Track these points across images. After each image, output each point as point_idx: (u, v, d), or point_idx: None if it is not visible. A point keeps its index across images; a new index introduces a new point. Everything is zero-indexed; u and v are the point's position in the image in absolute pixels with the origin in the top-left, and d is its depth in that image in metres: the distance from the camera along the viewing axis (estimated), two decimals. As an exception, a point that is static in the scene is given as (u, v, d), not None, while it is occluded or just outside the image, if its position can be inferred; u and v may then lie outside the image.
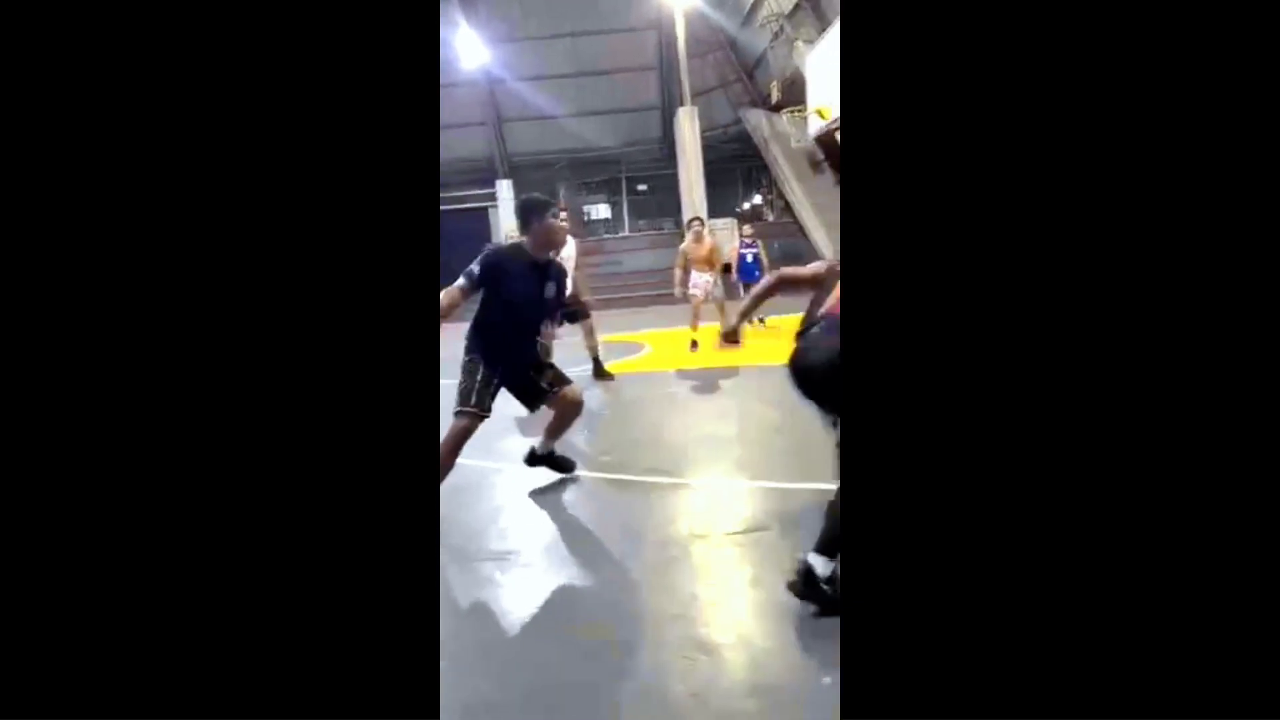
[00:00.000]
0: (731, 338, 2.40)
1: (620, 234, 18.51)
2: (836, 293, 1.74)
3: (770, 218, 17.55)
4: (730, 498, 2.50)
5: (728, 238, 10.94)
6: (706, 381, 4.82)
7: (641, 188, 19.24)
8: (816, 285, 1.90)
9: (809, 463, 2.78)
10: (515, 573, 1.96)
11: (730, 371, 5.05)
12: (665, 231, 17.75)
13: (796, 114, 12.08)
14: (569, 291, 4.83)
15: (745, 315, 2.30)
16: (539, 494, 2.62)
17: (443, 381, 1.39)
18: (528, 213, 2.47)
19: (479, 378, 2.39)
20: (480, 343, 2.44)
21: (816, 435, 3.15)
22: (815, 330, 1.76)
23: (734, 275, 7.77)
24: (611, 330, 5.77)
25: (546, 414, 2.69)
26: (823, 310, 1.79)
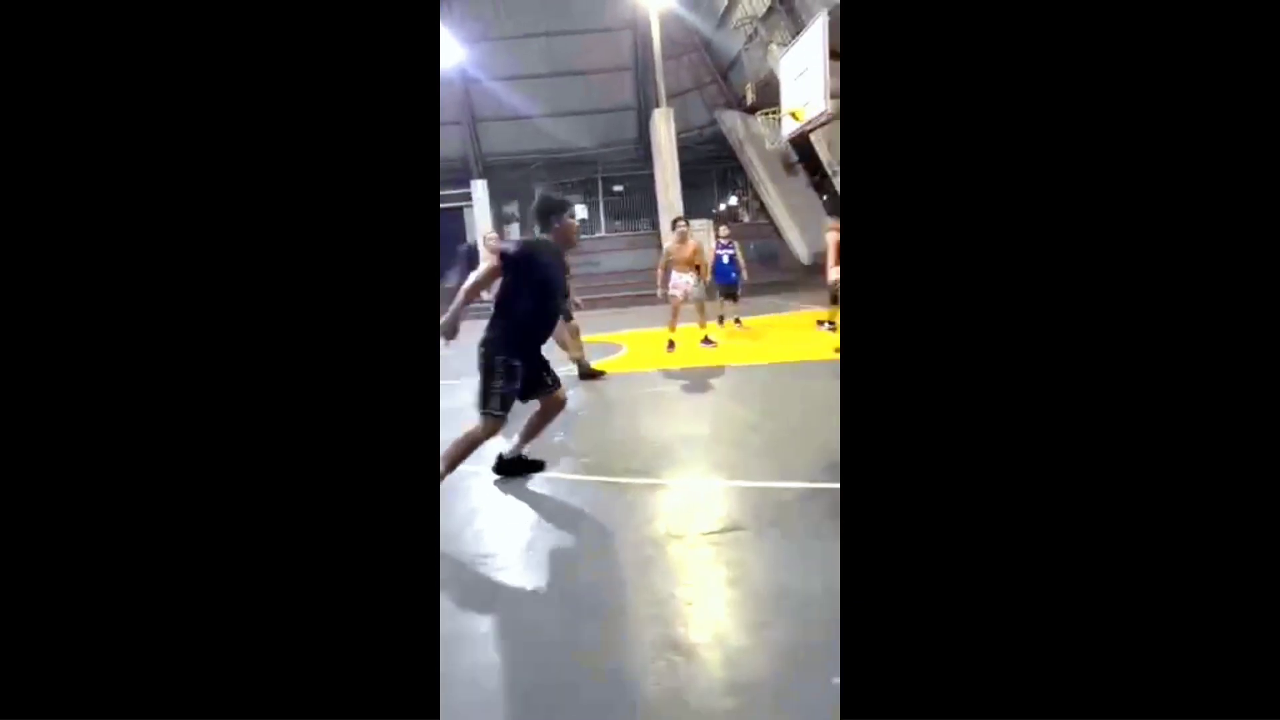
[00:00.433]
0: None
1: (597, 234, 18.45)
2: None
3: (746, 219, 17.67)
4: (707, 497, 2.52)
5: (705, 239, 11.00)
6: (683, 382, 4.84)
7: (618, 188, 19.21)
8: None
9: (784, 462, 2.81)
10: (492, 575, 1.95)
11: (707, 372, 5.08)
12: (642, 232, 17.77)
13: (771, 116, 12.18)
14: None
15: None
16: (515, 496, 2.61)
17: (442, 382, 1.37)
18: (549, 212, 2.56)
19: (502, 378, 2.42)
20: (508, 331, 2.46)
21: (791, 434, 3.19)
22: None
23: (708, 276, 7.81)
24: (589, 331, 5.77)
25: (525, 412, 2.68)
26: None
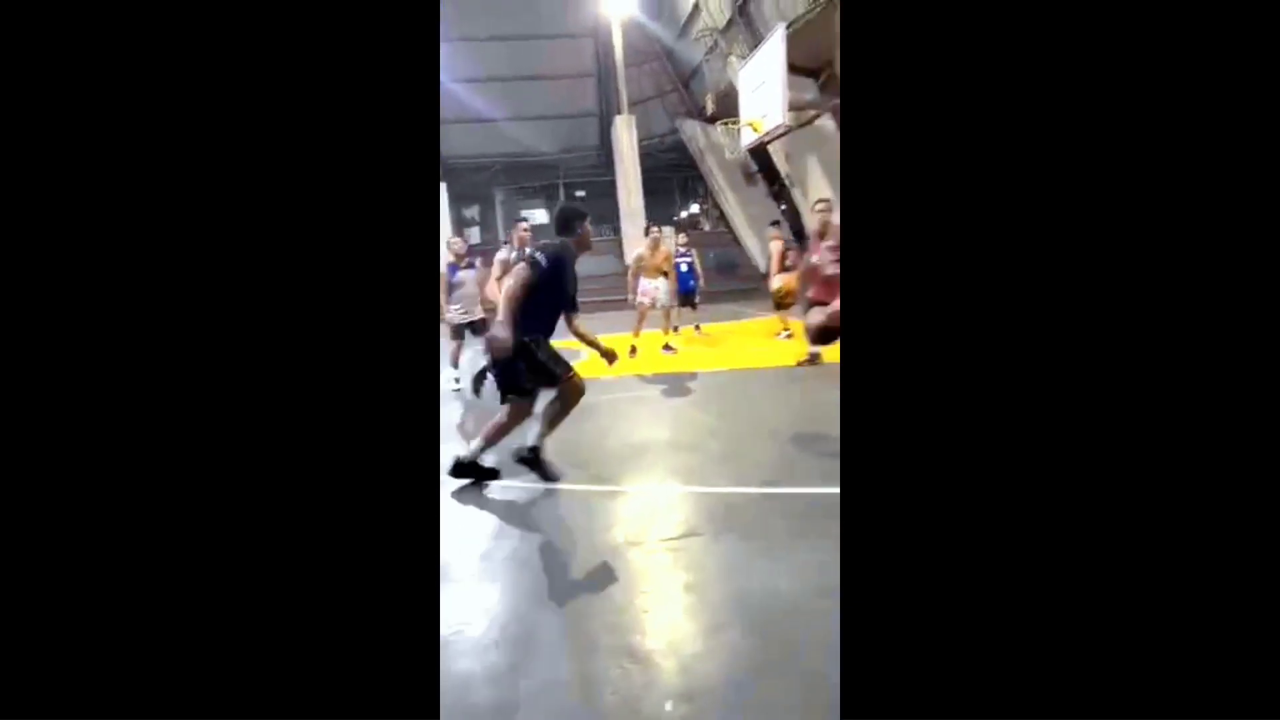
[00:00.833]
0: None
1: (558, 239, 18.39)
2: None
3: (707, 227, 17.88)
4: (665, 503, 2.53)
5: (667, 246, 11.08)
6: (643, 388, 4.85)
7: (580, 194, 19.19)
8: None
9: (741, 467, 2.85)
10: (446, 586, 1.91)
11: (667, 378, 5.10)
12: (604, 238, 17.74)
13: (730, 126, 12.37)
14: None
15: None
16: (473, 505, 2.57)
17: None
18: (571, 219, 2.84)
19: (529, 361, 2.62)
20: (526, 330, 2.62)
21: (748, 440, 3.23)
22: None
23: (674, 284, 7.88)
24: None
25: (488, 417, 2.65)
26: None
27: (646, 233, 6.79)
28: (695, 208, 19.22)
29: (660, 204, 17.45)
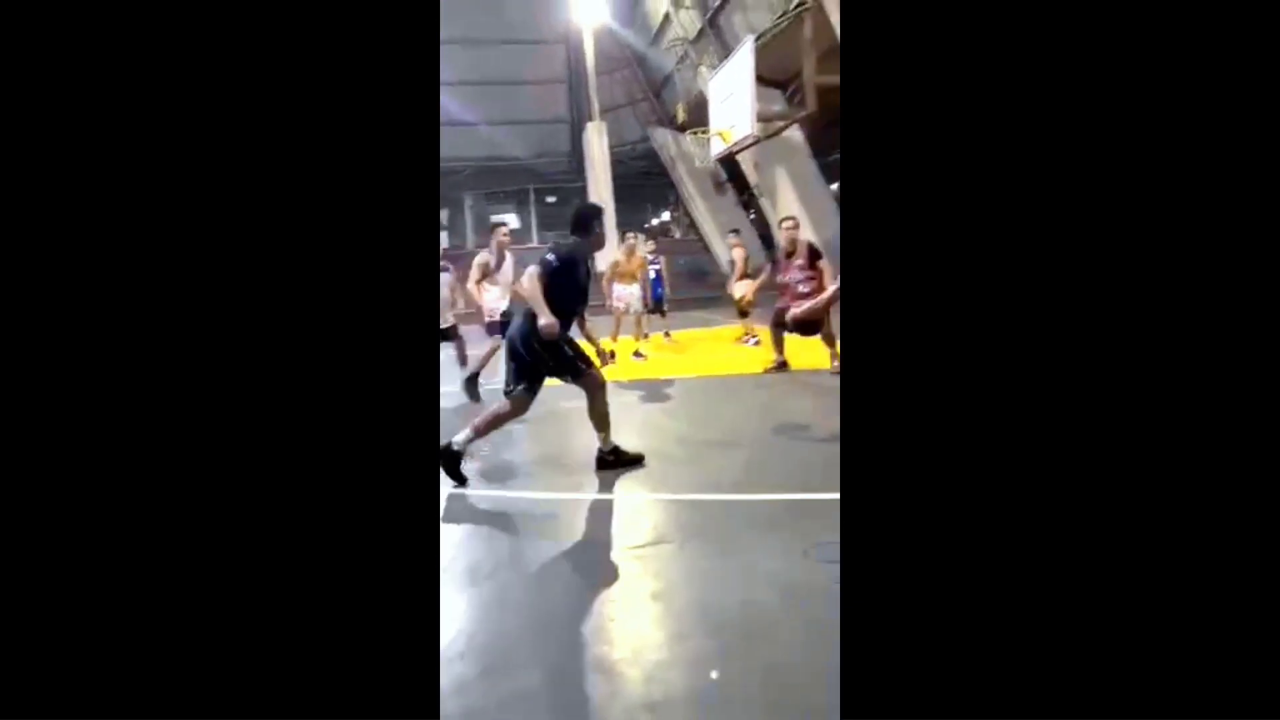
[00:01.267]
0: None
1: (528, 244, 18.30)
2: None
3: (677, 234, 18.00)
4: (633, 511, 2.54)
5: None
6: (613, 394, 4.83)
7: (551, 199, 19.14)
8: None
9: (709, 474, 2.87)
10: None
11: (636, 384, 5.12)
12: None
13: (700, 135, 12.51)
14: (506, 306, 4.76)
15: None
16: (441, 514, 2.54)
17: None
18: (591, 219, 2.92)
19: (556, 354, 2.78)
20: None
21: (715, 446, 3.27)
22: None
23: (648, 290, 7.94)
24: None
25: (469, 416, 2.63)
26: None
27: (622, 239, 6.83)
28: (666, 215, 19.34)
29: (631, 211, 17.51)
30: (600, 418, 2.93)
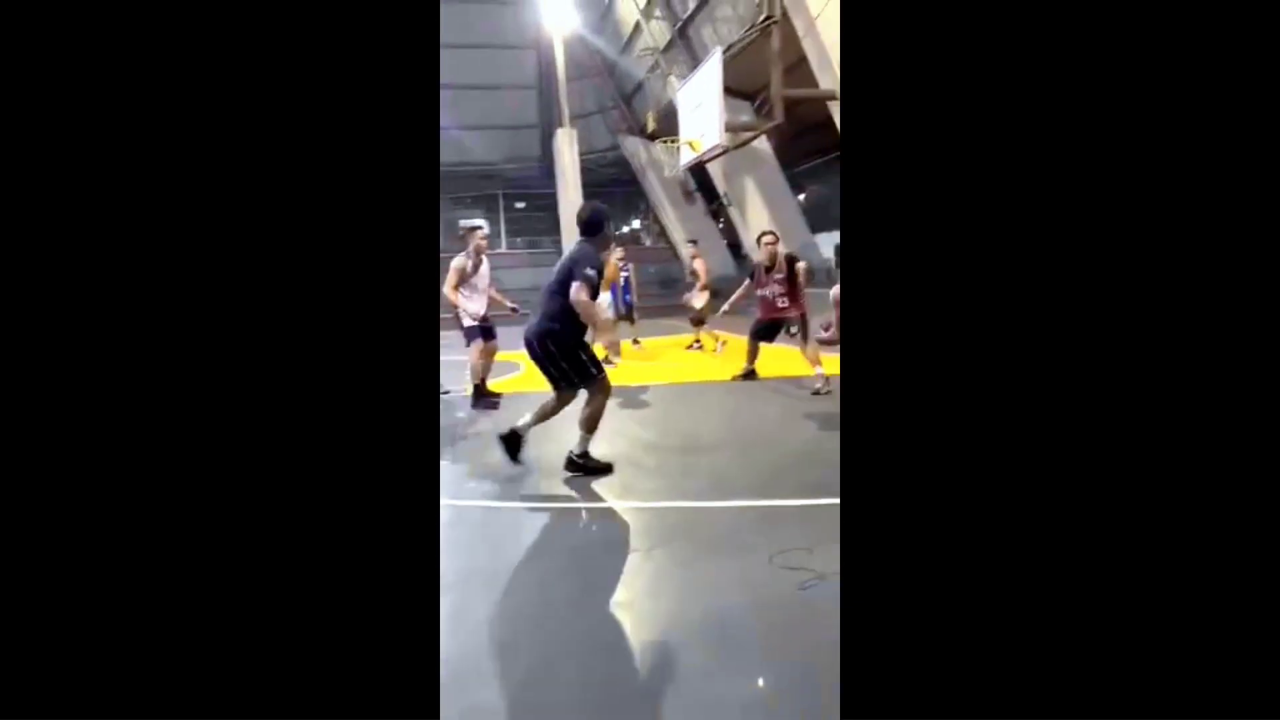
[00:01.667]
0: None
1: (498, 250, 18.16)
2: None
3: (647, 242, 18.08)
4: (600, 519, 2.53)
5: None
6: (580, 401, 4.83)
7: (520, 205, 19.04)
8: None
9: (675, 482, 2.88)
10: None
11: (605, 392, 5.10)
12: (545, 250, 17.67)
13: (670, 144, 12.61)
14: (483, 311, 4.69)
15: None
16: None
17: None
18: (602, 221, 2.98)
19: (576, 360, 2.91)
20: (575, 325, 2.86)
21: (683, 454, 3.28)
22: None
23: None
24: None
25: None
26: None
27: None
28: (636, 223, 19.41)
29: (601, 218, 17.50)
30: (591, 420, 2.95)
